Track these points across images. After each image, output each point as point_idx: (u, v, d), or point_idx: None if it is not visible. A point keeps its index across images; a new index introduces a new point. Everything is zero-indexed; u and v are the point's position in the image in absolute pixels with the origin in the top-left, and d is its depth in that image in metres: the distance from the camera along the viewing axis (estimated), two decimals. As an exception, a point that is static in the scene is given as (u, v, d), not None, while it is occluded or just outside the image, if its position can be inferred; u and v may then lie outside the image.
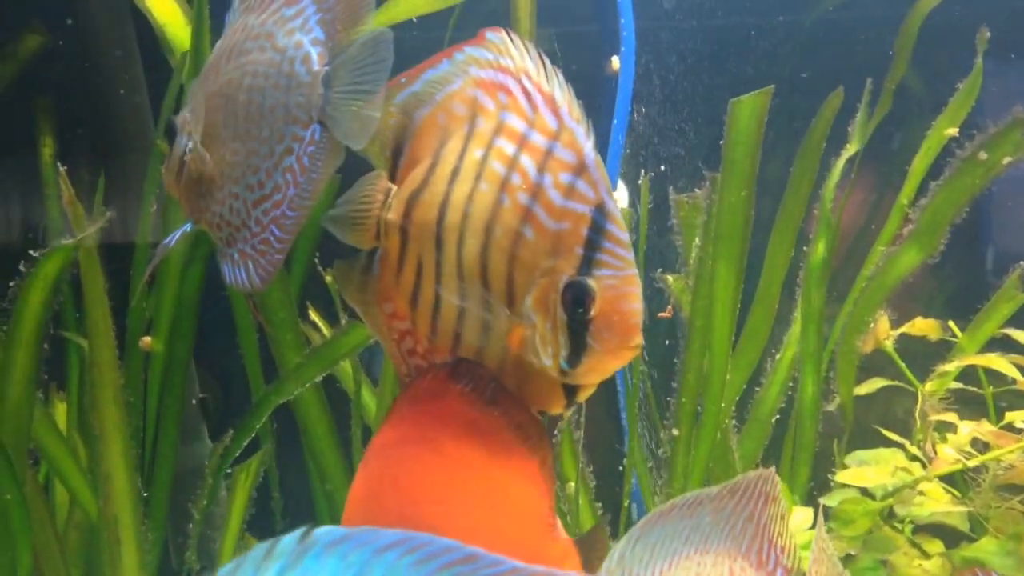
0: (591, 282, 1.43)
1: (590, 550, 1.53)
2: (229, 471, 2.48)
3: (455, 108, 1.55)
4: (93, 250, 2.23)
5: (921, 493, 2.27)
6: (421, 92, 1.59)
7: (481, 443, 1.50)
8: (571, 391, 1.53)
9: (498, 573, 0.95)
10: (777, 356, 2.83)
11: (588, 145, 1.47)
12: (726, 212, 2.39)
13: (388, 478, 1.47)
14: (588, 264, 1.44)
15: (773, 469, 1.43)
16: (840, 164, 2.73)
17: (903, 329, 2.62)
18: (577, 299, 1.43)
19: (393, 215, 1.57)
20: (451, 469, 1.47)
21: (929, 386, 2.53)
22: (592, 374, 1.50)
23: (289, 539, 0.87)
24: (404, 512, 1.43)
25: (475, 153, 1.51)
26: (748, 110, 2.27)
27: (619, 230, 1.46)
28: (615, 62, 3.03)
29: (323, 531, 0.87)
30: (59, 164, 2.13)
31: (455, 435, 1.50)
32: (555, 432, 2.44)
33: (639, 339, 1.45)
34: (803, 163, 2.66)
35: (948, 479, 2.39)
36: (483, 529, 1.44)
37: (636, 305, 1.45)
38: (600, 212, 1.45)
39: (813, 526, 2.29)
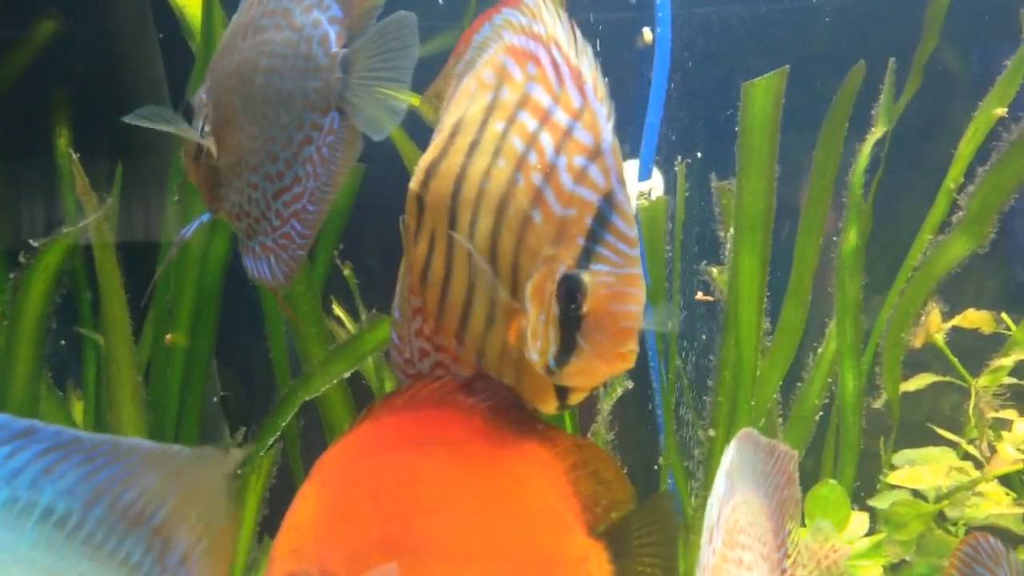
0: (585, 276, 1.34)
1: (622, 540, 1.45)
2: (239, 472, 2.39)
3: (485, 76, 1.48)
4: (109, 243, 2.15)
5: (979, 494, 2.16)
6: (470, 59, 1.51)
7: (485, 449, 1.41)
8: (563, 392, 1.45)
9: (59, 444, 0.93)
10: (819, 350, 2.72)
11: (607, 128, 1.38)
12: (746, 203, 2.28)
13: (364, 491, 1.35)
14: (587, 257, 1.35)
15: (796, 452, 1.38)
16: (867, 147, 2.62)
17: (954, 322, 2.51)
18: (569, 293, 1.34)
19: (413, 183, 1.49)
20: (447, 475, 1.38)
21: (982, 381, 2.43)
22: (580, 377, 1.41)
23: None
24: (388, 529, 1.32)
25: (496, 126, 1.43)
26: (763, 93, 2.16)
27: (625, 224, 1.36)
28: (647, 34, 2.94)
29: None
30: (73, 153, 2.05)
31: (454, 440, 1.41)
32: (587, 434, 2.35)
33: (632, 345, 1.35)
34: (826, 145, 2.51)
35: (1002, 479, 2.29)
36: (486, 534, 1.36)
37: (632, 308, 1.34)
38: (608, 202, 1.36)
39: (869, 533, 2.19)
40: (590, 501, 1.44)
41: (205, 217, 1.75)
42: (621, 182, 1.37)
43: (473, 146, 1.44)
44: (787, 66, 2.13)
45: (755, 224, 2.27)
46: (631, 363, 1.37)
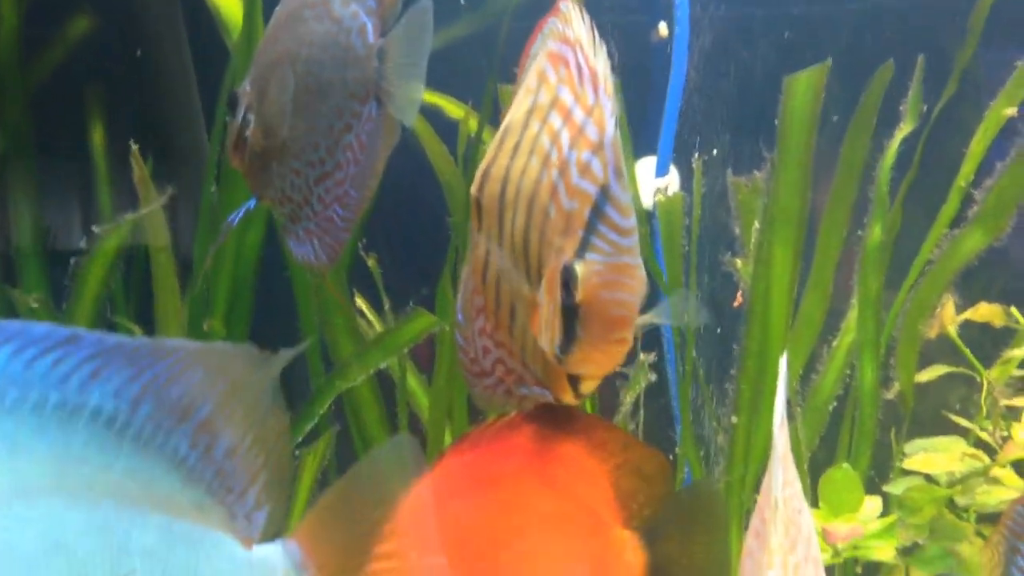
0: (578, 266, 1.38)
1: (657, 526, 1.53)
2: (297, 453, 2.44)
3: (531, 82, 1.54)
4: (165, 238, 2.18)
5: (992, 480, 2.21)
6: (527, 67, 1.58)
7: (537, 470, 1.49)
8: (575, 381, 1.49)
9: (103, 350, 0.96)
10: (834, 343, 2.76)
11: (611, 123, 1.42)
12: (782, 195, 2.34)
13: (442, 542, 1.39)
14: (584, 247, 1.39)
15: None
16: (895, 144, 2.67)
17: (966, 315, 2.56)
18: (565, 283, 1.38)
19: (473, 188, 1.56)
20: (506, 507, 1.45)
21: (993, 373, 2.48)
22: (584, 365, 1.44)
23: None
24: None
25: (534, 127, 1.50)
26: (804, 87, 2.22)
27: (619, 215, 1.40)
28: (662, 28, 2.98)
29: None
30: (133, 145, 2.09)
31: (512, 471, 1.48)
32: None
33: (624, 333, 1.38)
34: (854, 141, 2.55)
35: (1016, 466, 2.33)
36: (548, 555, 1.45)
37: (623, 295, 1.38)
38: (604, 194, 1.40)
39: (883, 514, 2.24)
40: (628, 496, 1.52)
41: (251, 204, 1.80)
42: (619, 173, 1.42)
43: (516, 148, 1.50)
44: (828, 60, 2.18)
45: (790, 217, 2.33)
46: (625, 350, 1.41)
